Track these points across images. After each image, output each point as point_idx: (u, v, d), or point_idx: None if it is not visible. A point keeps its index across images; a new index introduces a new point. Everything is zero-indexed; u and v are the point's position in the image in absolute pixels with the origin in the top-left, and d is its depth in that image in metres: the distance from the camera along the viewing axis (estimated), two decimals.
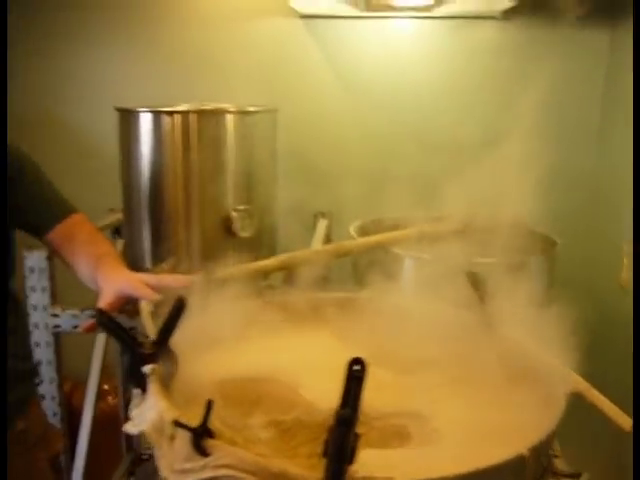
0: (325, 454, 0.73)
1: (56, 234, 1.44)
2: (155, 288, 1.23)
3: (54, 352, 1.85)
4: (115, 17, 2.64)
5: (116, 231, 2.17)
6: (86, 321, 1.17)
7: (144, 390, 0.97)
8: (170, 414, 0.86)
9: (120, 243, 2.05)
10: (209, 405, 0.82)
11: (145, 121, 1.79)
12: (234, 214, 1.80)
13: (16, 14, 2.60)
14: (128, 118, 1.83)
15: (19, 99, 2.62)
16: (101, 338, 2.18)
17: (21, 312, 1.56)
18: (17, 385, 1.43)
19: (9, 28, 2.58)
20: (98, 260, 1.37)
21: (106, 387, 2.63)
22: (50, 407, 1.88)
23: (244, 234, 1.81)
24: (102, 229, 1.84)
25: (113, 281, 1.27)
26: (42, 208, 1.44)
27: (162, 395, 0.92)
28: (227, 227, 1.81)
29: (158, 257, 1.79)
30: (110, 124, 2.08)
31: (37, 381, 1.59)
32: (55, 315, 1.79)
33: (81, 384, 2.30)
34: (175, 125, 1.76)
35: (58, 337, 1.84)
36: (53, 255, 1.62)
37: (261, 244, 1.89)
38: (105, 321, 0.97)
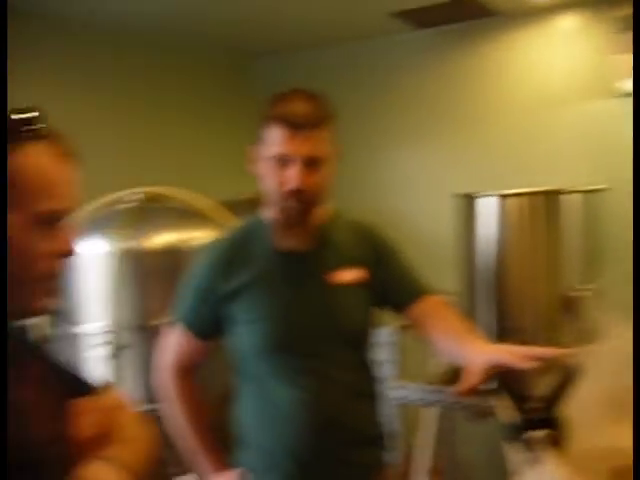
0: None
1: (415, 310, 1.54)
2: (528, 358, 1.25)
3: (398, 422, 1.96)
4: (441, 110, 2.87)
5: None
6: (466, 383, 1.23)
7: (532, 453, 1.00)
8: None
9: None
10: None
11: (487, 205, 1.89)
12: (576, 294, 1.79)
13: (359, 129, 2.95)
14: (470, 203, 1.95)
15: (357, 193, 2.92)
16: (433, 413, 2.25)
17: (376, 380, 1.67)
18: (367, 448, 1.53)
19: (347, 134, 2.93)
20: (463, 335, 1.42)
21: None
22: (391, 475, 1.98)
23: (588, 314, 1.79)
24: None
25: (484, 353, 1.31)
26: (403, 287, 1.56)
27: (561, 461, 0.94)
28: (568, 306, 1.80)
29: (501, 333, 1.84)
30: (437, 210, 2.18)
31: (385, 449, 1.67)
32: (402, 387, 1.92)
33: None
34: (517, 207, 1.84)
35: (403, 409, 1.96)
36: (414, 330, 1.72)
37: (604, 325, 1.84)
38: (504, 382, 1.03)
